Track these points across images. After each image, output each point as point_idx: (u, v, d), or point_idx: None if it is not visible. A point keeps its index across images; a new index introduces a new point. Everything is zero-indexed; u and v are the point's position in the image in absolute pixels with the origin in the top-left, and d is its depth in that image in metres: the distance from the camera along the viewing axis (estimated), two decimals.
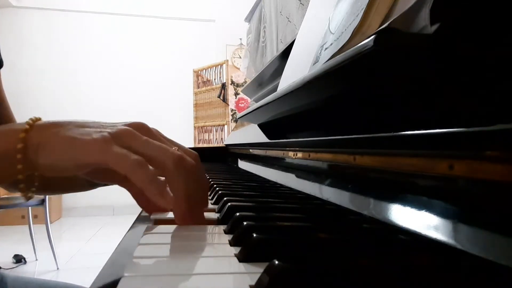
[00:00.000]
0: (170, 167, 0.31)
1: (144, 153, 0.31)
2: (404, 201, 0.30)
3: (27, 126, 0.32)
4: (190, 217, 0.34)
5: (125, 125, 0.34)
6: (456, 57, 0.26)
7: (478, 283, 0.20)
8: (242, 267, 0.24)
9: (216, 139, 3.76)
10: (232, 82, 3.95)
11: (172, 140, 0.37)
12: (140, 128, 0.34)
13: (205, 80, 3.93)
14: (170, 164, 0.31)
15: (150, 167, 0.31)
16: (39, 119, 0.34)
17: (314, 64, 0.50)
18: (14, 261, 2.42)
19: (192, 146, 3.82)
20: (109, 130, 0.32)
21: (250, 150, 0.97)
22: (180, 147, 0.36)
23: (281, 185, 0.63)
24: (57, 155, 0.31)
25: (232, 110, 3.83)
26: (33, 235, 2.52)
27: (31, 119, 0.33)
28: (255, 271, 0.23)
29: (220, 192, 0.52)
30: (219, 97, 3.66)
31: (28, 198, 0.35)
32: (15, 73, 3.93)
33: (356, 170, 0.39)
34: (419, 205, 0.28)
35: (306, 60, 0.57)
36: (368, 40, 0.28)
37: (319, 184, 0.48)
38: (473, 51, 0.24)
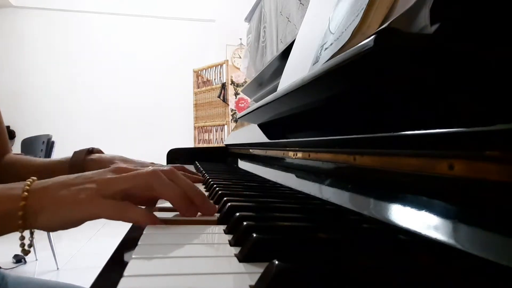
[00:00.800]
0: (153, 185, 0.37)
1: (127, 188, 0.37)
2: (404, 201, 0.30)
3: (25, 194, 0.36)
4: (194, 210, 0.40)
5: (105, 172, 0.39)
6: (456, 57, 0.26)
7: (478, 283, 0.20)
8: (242, 267, 0.24)
9: (216, 139, 3.76)
10: (232, 82, 3.95)
11: (147, 163, 0.43)
12: (120, 170, 0.40)
13: (205, 80, 3.93)
14: (151, 183, 0.37)
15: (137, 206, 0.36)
16: (34, 180, 0.38)
17: (314, 64, 0.50)
18: (14, 261, 2.42)
19: (192, 146, 3.83)
20: (92, 185, 0.36)
21: (250, 150, 0.97)
22: (155, 165, 0.42)
23: (281, 185, 0.63)
24: (53, 217, 0.36)
25: (232, 110, 3.84)
26: (33, 235, 2.52)
27: (27, 184, 0.37)
28: (255, 271, 0.23)
29: (220, 192, 0.52)
30: (219, 97, 3.66)
31: (27, 253, 0.40)
32: (15, 73, 3.93)
33: (356, 170, 0.39)
34: (419, 205, 0.28)
35: (306, 60, 0.57)
36: (368, 40, 0.28)
37: (319, 184, 0.48)
38: (473, 51, 0.24)
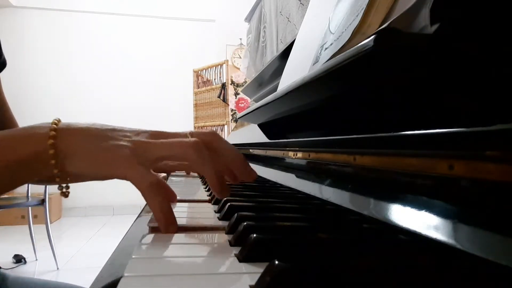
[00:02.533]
0: (193, 158, 0.35)
1: (165, 155, 0.35)
2: (404, 201, 0.30)
3: (53, 132, 0.33)
4: (226, 191, 0.38)
5: (142, 133, 0.37)
6: (456, 57, 0.26)
7: (478, 283, 0.20)
8: (242, 267, 0.24)
9: None
10: (232, 82, 3.95)
11: (184, 132, 0.40)
12: (156, 134, 0.37)
13: (205, 80, 3.93)
14: (192, 155, 0.35)
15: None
16: (60, 121, 0.36)
17: (314, 64, 0.50)
18: (14, 261, 2.42)
19: None
20: (129, 144, 0.34)
21: (250, 150, 0.97)
22: (194, 133, 0.39)
23: (281, 185, 0.63)
24: (84, 165, 0.33)
25: (232, 110, 3.83)
26: (33, 235, 2.52)
27: (53, 122, 0.35)
28: (255, 271, 0.23)
29: None
30: (219, 97, 3.66)
31: (67, 195, 0.37)
32: (16, 73, 3.93)
33: (356, 170, 0.39)
34: (419, 205, 0.27)
35: (306, 60, 0.57)
36: (368, 40, 0.28)
37: (319, 184, 0.48)
38: (473, 51, 0.24)
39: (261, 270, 0.21)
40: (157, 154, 0.35)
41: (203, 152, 0.35)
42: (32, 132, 0.34)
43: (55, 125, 0.34)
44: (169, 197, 0.40)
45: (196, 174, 0.97)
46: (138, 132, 0.37)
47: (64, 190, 0.36)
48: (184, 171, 0.94)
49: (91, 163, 0.33)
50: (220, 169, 0.37)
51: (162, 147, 0.35)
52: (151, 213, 0.42)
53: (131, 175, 0.33)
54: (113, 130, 0.36)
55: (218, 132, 3.73)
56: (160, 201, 0.33)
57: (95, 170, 0.33)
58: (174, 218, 0.34)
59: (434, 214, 0.26)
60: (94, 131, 0.35)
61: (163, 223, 0.33)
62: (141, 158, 0.34)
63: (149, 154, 0.35)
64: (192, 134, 0.38)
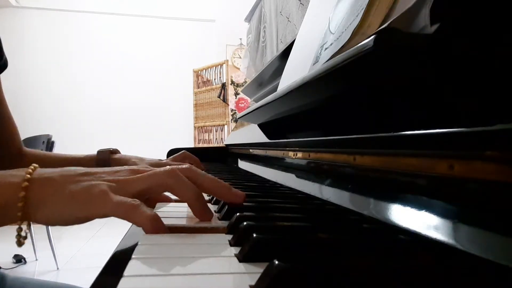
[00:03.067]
0: (169, 184, 0.35)
1: (143, 189, 0.35)
2: (404, 201, 0.30)
3: (26, 183, 0.32)
4: (210, 214, 0.38)
5: (119, 172, 0.37)
6: (456, 57, 0.26)
7: (478, 283, 0.20)
8: (242, 267, 0.24)
9: (216, 139, 3.76)
10: (232, 82, 3.95)
11: (163, 162, 0.41)
12: (135, 171, 0.38)
13: (205, 80, 3.93)
14: (166, 181, 0.35)
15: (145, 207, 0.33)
16: (35, 168, 0.35)
17: (314, 64, 0.50)
18: (14, 261, 2.42)
19: (192, 146, 3.82)
20: (105, 183, 0.34)
21: (250, 150, 0.97)
22: (170, 163, 0.40)
23: (281, 185, 0.63)
24: (57, 213, 0.32)
25: (232, 110, 3.83)
26: (33, 235, 2.52)
27: (28, 172, 0.34)
28: (255, 271, 0.23)
29: None
30: (219, 97, 3.66)
31: (21, 245, 0.37)
32: (16, 73, 3.93)
33: (356, 170, 0.39)
34: (419, 205, 0.27)
35: (306, 60, 0.57)
36: (368, 40, 0.28)
37: (319, 184, 0.48)
38: (473, 51, 0.24)
39: (261, 270, 0.21)
40: (135, 189, 0.35)
41: (180, 178, 0.36)
42: (5, 181, 0.33)
43: (29, 175, 0.33)
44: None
45: None
46: (113, 172, 0.37)
47: (21, 239, 0.36)
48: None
49: (64, 209, 0.32)
50: (199, 194, 0.37)
51: (138, 181, 0.35)
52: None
53: (110, 208, 0.32)
54: (87, 173, 0.35)
55: (218, 132, 3.73)
56: (144, 214, 0.32)
57: (68, 214, 0.32)
58: (166, 229, 0.33)
59: (434, 214, 0.26)
60: (67, 177, 0.34)
61: (156, 232, 0.32)
62: (120, 193, 0.33)
63: (126, 190, 0.34)
64: (169, 166, 0.38)
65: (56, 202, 0.33)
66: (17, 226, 0.34)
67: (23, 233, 0.36)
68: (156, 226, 0.32)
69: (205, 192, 0.39)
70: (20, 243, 0.36)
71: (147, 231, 0.32)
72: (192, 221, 0.39)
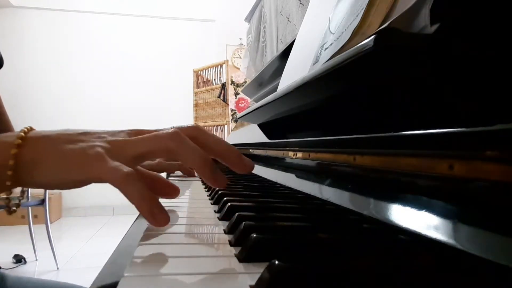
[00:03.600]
0: (173, 148, 0.31)
1: (143, 152, 0.32)
2: (404, 201, 0.30)
3: (19, 141, 0.30)
4: (222, 178, 0.33)
5: (119, 133, 0.34)
6: (456, 57, 0.26)
7: (478, 283, 0.20)
8: (242, 267, 0.24)
9: None
10: (232, 82, 3.95)
11: (166, 128, 0.36)
12: (135, 133, 0.35)
13: (205, 80, 3.93)
14: (171, 146, 0.31)
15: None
16: (32, 129, 0.33)
17: (314, 64, 0.50)
18: (14, 261, 2.42)
19: None
20: (102, 145, 0.31)
21: (250, 150, 0.97)
22: (175, 127, 0.35)
23: (281, 185, 0.63)
24: (51, 173, 0.30)
25: (232, 110, 3.83)
26: (33, 235, 2.52)
27: (23, 130, 0.32)
28: (255, 271, 0.23)
29: (220, 192, 0.52)
30: (219, 97, 3.66)
31: (11, 213, 0.34)
32: (16, 73, 3.93)
33: (356, 170, 0.39)
34: (419, 205, 0.27)
35: (306, 60, 0.57)
36: (368, 40, 0.28)
37: (319, 184, 0.48)
38: (473, 51, 0.24)
39: (261, 270, 0.21)
40: (134, 152, 0.31)
41: (184, 141, 0.32)
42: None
43: (23, 133, 0.31)
44: (160, 189, 0.37)
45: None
46: (114, 133, 0.34)
47: (11, 205, 0.33)
48: (182, 172, 0.93)
49: (59, 169, 0.30)
50: (206, 157, 0.32)
51: (138, 143, 0.32)
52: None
53: (104, 173, 0.29)
54: (86, 133, 0.33)
55: (218, 132, 3.73)
56: (138, 189, 0.29)
57: (64, 176, 0.30)
58: (161, 206, 0.29)
59: (434, 214, 0.26)
60: (64, 136, 0.32)
61: (150, 213, 0.29)
62: (116, 157, 0.30)
63: (125, 153, 0.31)
64: (174, 128, 0.34)
65: (49, 161, 0.30)
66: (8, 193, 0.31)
67: (14, 199, 0.33)
68: (149, 204, 0.29)
69: (213, 156, 0.35)
70: (9, 211, 0.33)
71: (140, 208, 0.29)
72: (193, 221, 0.39)
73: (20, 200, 0.34)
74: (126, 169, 0.29)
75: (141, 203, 0.29)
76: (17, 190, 0.33)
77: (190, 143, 0.32)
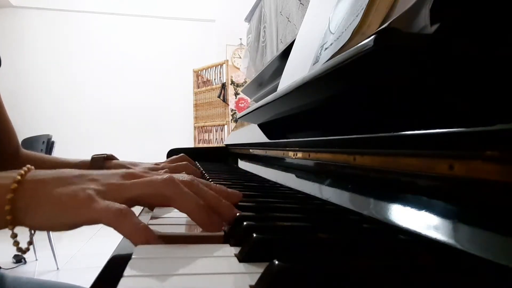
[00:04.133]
0: (167, 194, 0.32)
1: (136, 195, 0.32)
2: (404, 201, 0.30)
3: (15, 185, 0.31)
4: (214, 224, 0.33)
5: (114, 176, 0.34)
6: (456, 57, 0.26)
7: (478, 283, 0.20)
8: (242, 267, 0.24)
9: (216, 139, 3.76)
10: (232, 82, 3.95)
11: (160, 166, 0.37)
12: (131, 175, 0.35)
13: (205, 80, 3.93)
14: (165, 193, 0.32)
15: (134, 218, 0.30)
16: (30, 169, 0.33)
17: (314, 64, 0.50)
18: (14, 261, 2.42)
19: (192, 146, 3.82)
20: (95, 187, 0.32)
21: (250, 150, 0.97)
22: (166, 167, 0.37)
23: (281, 185, 0.63)
24: (43, 217, 0.30)
25: (232, 110, 3.83)
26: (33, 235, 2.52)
27: (20, 173, 0.32)
28: (255, 271, 0.23)
29: None
30: (219, 97, 3.66)
31: (25, 252, 0.35)
32: (16, 73, 3.93)
33: (356, 170, 0.39)
34: (419, 205, 0.28)
35: (306, 60, 0.57)
36: (368, 40, 0.28)
37: (319, 184, 0.48)
38: (473, 51, 0.24)
39: (261, 270, 0.21)
40: (127, 195, 0.32)
41: (178, 187, 0.32)
42: None
43: (20, 177, 0.32)
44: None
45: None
46: (108, 175, 0.35)
47: (24, 248, 0.34)
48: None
49: (51, 213, 0.30)
50: (201, 203, 0.33)
51: (132, 187, 0.33)
52: (151, 213, 0.43)
53: (96, 213, 0.30)
54: (81, 175, 0.33)
55: (218, 132, 3.73)
56: (132, 224, 0.29)
57: (59, 219, 0.30)
58: (152, 233, 0.30)
59: (434, 214, 0.26)
60: (59, 180, 0.32)
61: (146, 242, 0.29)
62: (105, 195, 0.31)
63: (119, 195, 0.32)
64: (165, 170, 0.35)
65: (42, 205, 0.31)
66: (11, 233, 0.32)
67: (22, 241, 0.34)
68: (143, 237, 0.29)
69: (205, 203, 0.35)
70: (22, 251, 0.35)
71: (135, 241, 0.29)
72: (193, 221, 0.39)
73: (31, 238, 0.36)
74: (118, 205, 0.30)
75: (135, 235, 0.29)
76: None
77: (185, 191, 0.32)
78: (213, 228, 0.33)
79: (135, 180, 0.34)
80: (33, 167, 0.34)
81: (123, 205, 0.30)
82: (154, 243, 0.29)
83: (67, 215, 0.30)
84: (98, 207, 0.30)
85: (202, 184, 0.36)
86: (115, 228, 0.30)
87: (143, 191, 0.32)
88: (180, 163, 0.38)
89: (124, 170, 0.36)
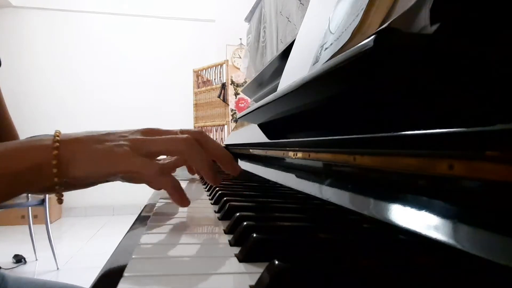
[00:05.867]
0: (184, 150, 0.39)
1: (161, 150, 0.39)
2: (404, 201, 0.30)
3: (57, 144, 0.36)
4: (218, 178, 0.42)
5: (136, 132, 0.41)
6: (456, 57, 0.26)
7: (478, 283, 0.20)
8: (242, 267, 0.24)
9: (216, 139, 3.76)
10: (232, 82, 3.95)
11: (175, 130, 0.44)
12: (149, 132, 0.41)
13: (205, 80, 3.92)
14: (183, 148, 0.39)
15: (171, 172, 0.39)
16: (60, 132, 0.38)
17: (314, 64, 0.50)
18: (14, 261, 2.42)
19: None
20: (127, 143, 0.37)
21: (250, 150, 0.97)
22: (184, 131, 0.43)
23: (281, 185, 0.63)
24: (87, 168, 0.36)
25: (232, 110, 3.83)
26: (33, 235, 2.52)
27: (55, 134, 0.38)
28: (255, 271, 0.23)
29: (220, 192, 0.52)
30: (219, 97, 3.66)
31: (61, 201, 0.40)
32: (15, 73, 3.93)
33: (356, 170, 0.39)
34: (419, 205, 0.28)
35: (306, 60, 0.57)
36: (368, 40, 0.28)
37: (319, 184, 0.48)
38: (473, 51, 0.24)
39: (261, 270, 0.21)
40: (154, 149, 0.38)
41: (195, 146, 0.39)
42: (36, 144, 0.36)
43: (58, 137, 0.37)
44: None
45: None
46: (132, 132, 0.41)
47: (61, 197, 0.39)
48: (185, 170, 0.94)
49: (94, 164, 0.36)
50: (210, 162, 0.41)
51: (158, 143, 0.38)
52: (151, 213, 0.43)
53: (135, 167, 0.36)
54: (109, 133, 0.39)
55: (218, 132, 3.73)
56: (171, 181, 0.38)
57: (99, 170, 0.36)
58: (185, 194, 0.39)
59: (434, 214, 0.26)
60: (92, 138, 0.38)
61: (179, 200, 0.39)
62: (140, 152, 0.37)
63: (147, 149, 0.38)
64: (182, 132, 0.42)
65: (87, 158, 0.36)
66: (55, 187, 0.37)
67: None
68: (180, 193, 0.38)
69: (212, 158, 0.43)
70: (61, 200, 0.40)
71: (173, 198, 0.38)
72: (193, 221, 0.39)
73: (62, 192, 0.40)
74: (157, 165, 0.37)
75: (173, 191, 0.38)
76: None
77: (199, 149, 0.40)
78: (216, 181, 0.42)
79: (159, 137, 0.40)
80: (61, 132, 0.39)
81: (161, 165, 0.37)
82: (185, 199, 0.39)
83: (108, 167, 0.36)
84: (137, 162, 0.36)
85: (209, 138, 0.44)
86: (154, 183, 0.39)
87: (166, 146, 0.39)
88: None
89: (142, 128, 0.42)
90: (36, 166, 0.35)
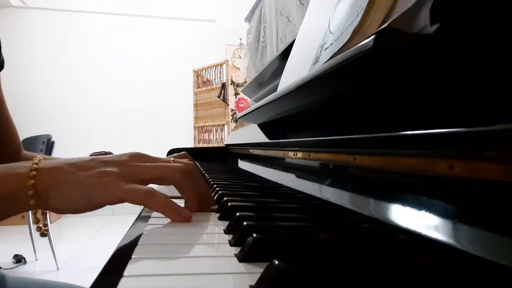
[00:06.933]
0: (178, 179, 0.38)
1: (153, 177, 0.37)
2: (404, 201, 0.30)
3: (34, 172, 0.33)
4: (187, 216, 0.38)
5: (125, 159, 0.38)
6: (456, 57, 0.26)
7: (478, 283, 0.20)
8: (242, 267, 0.24)
9: (216, 139, 3.76)
10: (232, 82, 3.95)
11: (166, 158, 0.44)
12: (139, 157, 0.39)
13: (205, 80, 3.92)
14: (178, 177, 0.38)
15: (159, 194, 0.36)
16: (40, 160, 0.36)
17: (314, 64, 0.50)
18: (14, 261, 2.42)
19: (192, 146, 3.82)
20: (115, 170, 0.35)
21: (250, 150, 0.97)
22: (175, 161, 0.42)
23: (281, 185, 0.63)
24: (71, 199, 0.34)
25: (232, 110, 3.83)
26: (33, 235, 2.52)
27: (34, 162, 0.35)
28: (255, 271, 0.23)
29: (220, 192, 0.52)
30: (219, 97, 3.66)
31: (45, 235, 0.39)
32: (16, 73, 3.93)
33: (356, 170, 0.39)
34: (419, 205, 0.28)
35: (306, 60, 0.57)
36: (368, 40, 0.28)
37: (319, 184, 0.48)
38: (473, 51, 0.24)
39: (261, 270, 0.21)
40: (145, 176, 0.37)
41: (189, 177, 0.39)
42: (12, 172, 0.34)
43: (35, 165, 0.34)
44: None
45: None
46: (120, 158, 0.38)
47: (43, 229, 0.38)
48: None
49: (77, 196, 0.34)
50: (199, 195, 0.41)
51: (150, 169, 0.37)
52: (152, 212, 0.43)
53: (125, 195, 0.34)
54: (93, 160, 0.37)
55: (218, 132, 3.73)
56: (161, 201, 0.35)
57: (83, 202, 0.34)
58: (180, 208, 0.37)
59: (434, 214, 0.26)
60: (74, 165, 0.35)
61: (176, 215, 0.36)
62: (129, 180, 0.35)
63: (137, 176, 0.36)
64: (174, 161, 0.41)
65: (68, 189, 0.34)
66: (35, 220, 0.36)
67: (40, 223, 0.37)
68: (176, 210, 0.36)
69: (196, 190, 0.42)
70: (43, 234, 0.38)
71: (169, 216, 0.36)
72: (193, 221, 0.39)
73: (45, 222, 0.39)
74: (144, 188, 0.35)
75: (167, 209, 0.36)
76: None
77: (192, 181, 0.39)
78: (186, 218, 0.38)
79: (154, 164, 0.38)
80: (41, 158, 0.37)
81: (149, 188, 0.35)
82: (182, 212, 0.36)
83: (94, 196, 0.34)
84: (125, 189, 0.34)
85: (200, 176, 0.43)
86: (147, 206, 0.36)
87: (160, 174, 0.38)
88: (183, 159, 0.45)
89: (130, 152, 0.40)
90: (10, 195, 0.33)
